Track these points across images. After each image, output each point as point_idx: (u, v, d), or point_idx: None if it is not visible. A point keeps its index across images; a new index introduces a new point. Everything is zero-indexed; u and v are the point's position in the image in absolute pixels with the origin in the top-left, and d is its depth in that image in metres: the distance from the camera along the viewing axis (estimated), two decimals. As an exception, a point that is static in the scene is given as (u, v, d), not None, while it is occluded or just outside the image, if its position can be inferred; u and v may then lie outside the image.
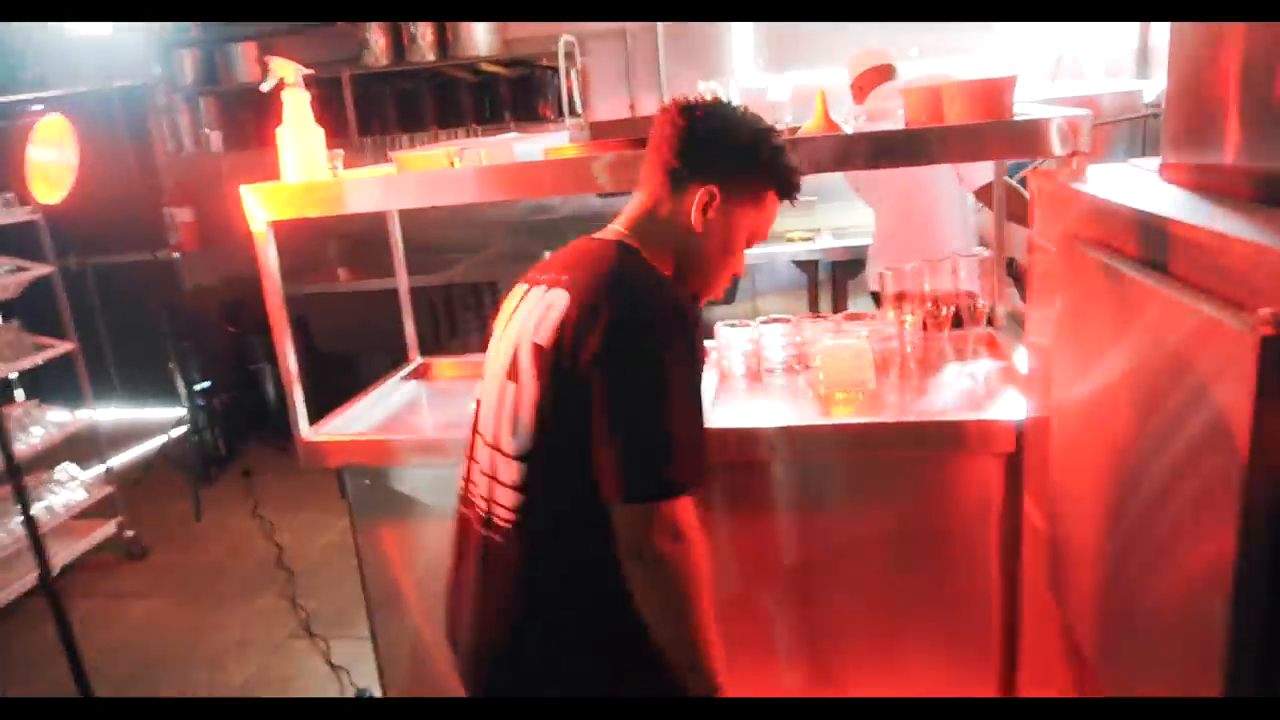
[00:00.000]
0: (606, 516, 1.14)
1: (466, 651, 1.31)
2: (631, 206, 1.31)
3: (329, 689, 2.66)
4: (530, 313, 1.24)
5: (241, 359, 4.82)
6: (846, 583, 1.97)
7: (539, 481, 1.20)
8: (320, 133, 1.96)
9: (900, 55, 4.05)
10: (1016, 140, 1.60)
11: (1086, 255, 1.18)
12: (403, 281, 2.60)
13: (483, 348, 4.17)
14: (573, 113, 4.26)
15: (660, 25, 4.39)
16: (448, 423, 2.18)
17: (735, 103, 1.31)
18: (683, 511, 1.11)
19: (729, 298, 4.53)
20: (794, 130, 1.85)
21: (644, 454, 1.11)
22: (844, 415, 1.96)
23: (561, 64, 4.09)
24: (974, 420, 1.80)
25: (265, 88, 1.91)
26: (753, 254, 4.99)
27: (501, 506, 1.23)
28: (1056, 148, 1.57)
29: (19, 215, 3.38)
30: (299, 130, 1.92)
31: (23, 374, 3.35)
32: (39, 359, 3.40)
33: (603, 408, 1.12)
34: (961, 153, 1.79)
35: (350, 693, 2.58)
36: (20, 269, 3.41)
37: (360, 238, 4.87)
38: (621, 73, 4.52)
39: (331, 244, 5.05)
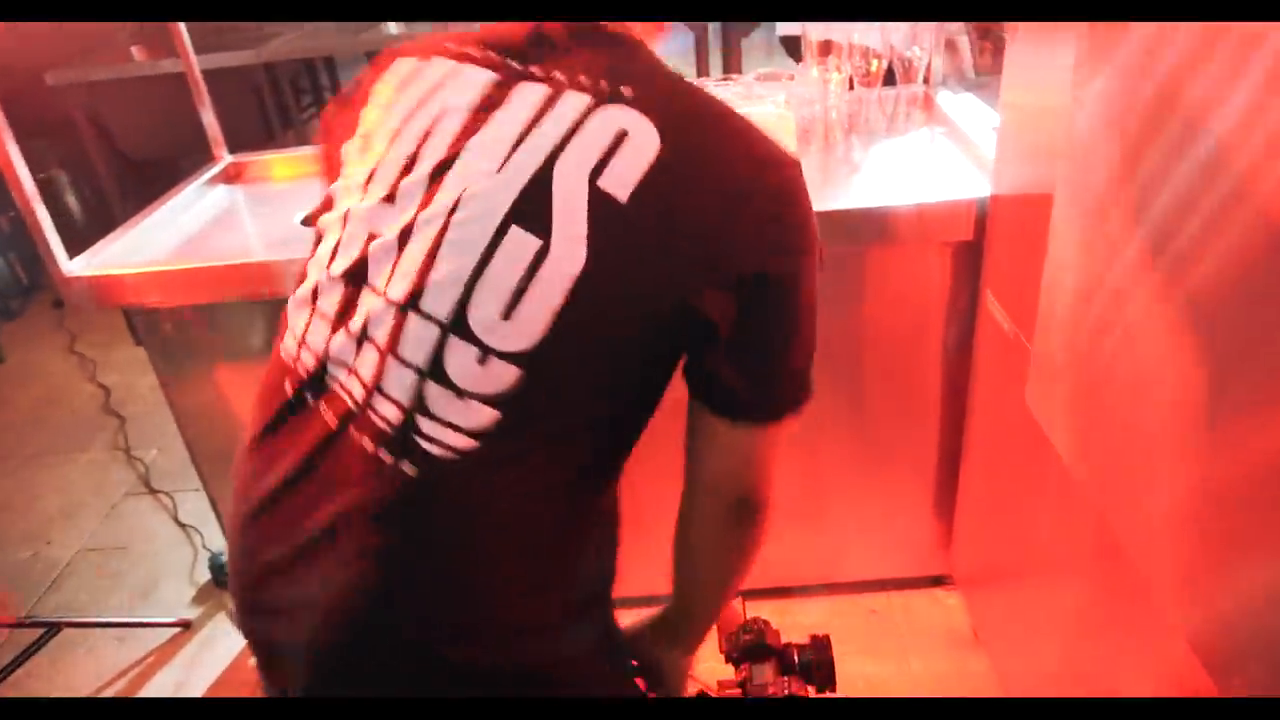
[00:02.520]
0: (612, 447, 0.81)
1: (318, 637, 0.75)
2: None
3: (181, 551, 2.32)
4: (566, 133, 0.72)
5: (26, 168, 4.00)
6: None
7: (541, 392, 0.72)
8: None
9: None
10: None
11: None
12: (189, 57, 2.00)
13: (312, 139, 3.40)
14: None
15: None
16: (260, 243, 1.72)
17: None
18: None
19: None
20: None
21: (801, 367, 0.81)
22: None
23: None
24: (923, 204, 1.47)
25: None
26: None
27: (442, 424, 0.72)
28: None
29: None
30: None
31: None
32: None
33: (771, 312, 0.76)
34: None
35: (204, 556, 2.25)
36: None
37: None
38: None
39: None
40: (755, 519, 0.84)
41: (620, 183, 0.69)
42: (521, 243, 0.70)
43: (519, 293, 0.70)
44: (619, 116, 0.71)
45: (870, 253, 1.54)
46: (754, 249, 0.72)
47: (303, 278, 0.81)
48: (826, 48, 1.80)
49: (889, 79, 1.82)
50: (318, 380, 0.76)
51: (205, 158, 2.10)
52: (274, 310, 1.45)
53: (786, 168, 0.74)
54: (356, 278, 0.75)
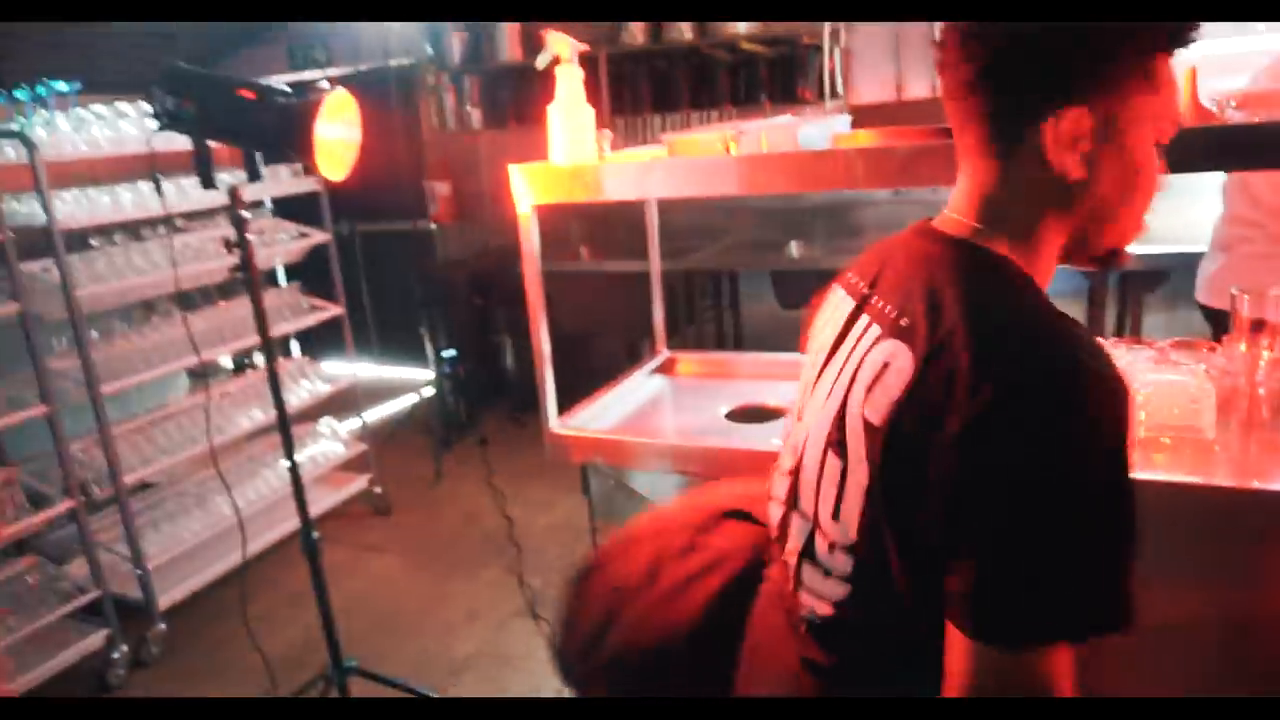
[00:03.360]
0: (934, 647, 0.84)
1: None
2: (961, 193, 0.93)
3: (548, 674, 2.64)
4: (858, 366, 0.91)
5: (485, 330, 5.00)
6: (1143, 670, 1.63)
7: (867, 578, 0.91)
8: (590, 112, 1.86)
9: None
10: None
11: None
12: (655, 268, 2.50)
13: (719, 341, 3.96)
14: (834, 94, 3.99)
15: None
16: (692, 428, 2.05)
17: None
18: (1055, 670, 0.76)
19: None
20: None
21: (1013, 578, 0.76)
22: (1168, 467, 1.60)
23: (826, 42, 3.83)
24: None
25: (540, 64, 1.84)
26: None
27: (813, 594, 0.96)
28: None
29: (304, 185, 3.64)
30: (570, 109, 1.83)
31: (295, 331, 3.62)
32: (313, 319, 3.65)
33: (964, 505, 0.78)
34: None
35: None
36: (303, 235, 3.67)
37: (600, 217, 4.89)
38: (888, 52, 4.17)
39: (574, 222, 5.10)
40: None
41: (876, 410, 0.85)
42: (835, 465, 0.92)
43: (838, 501, 0.91)
44: (889, 349, 0.87)
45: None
46: (971, 463, 0.76)
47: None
48: (1260, 324, 1.79)
49: (1330, 363, 1.76)
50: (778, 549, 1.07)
51: (618, 337, 2.55)
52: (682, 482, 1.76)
53: (1044, 384, 0.74)
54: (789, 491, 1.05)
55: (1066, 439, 0.75)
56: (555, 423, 1.97)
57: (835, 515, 0.91)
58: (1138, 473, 1.56)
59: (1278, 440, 1.70)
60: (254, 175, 1.90)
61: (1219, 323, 2.30)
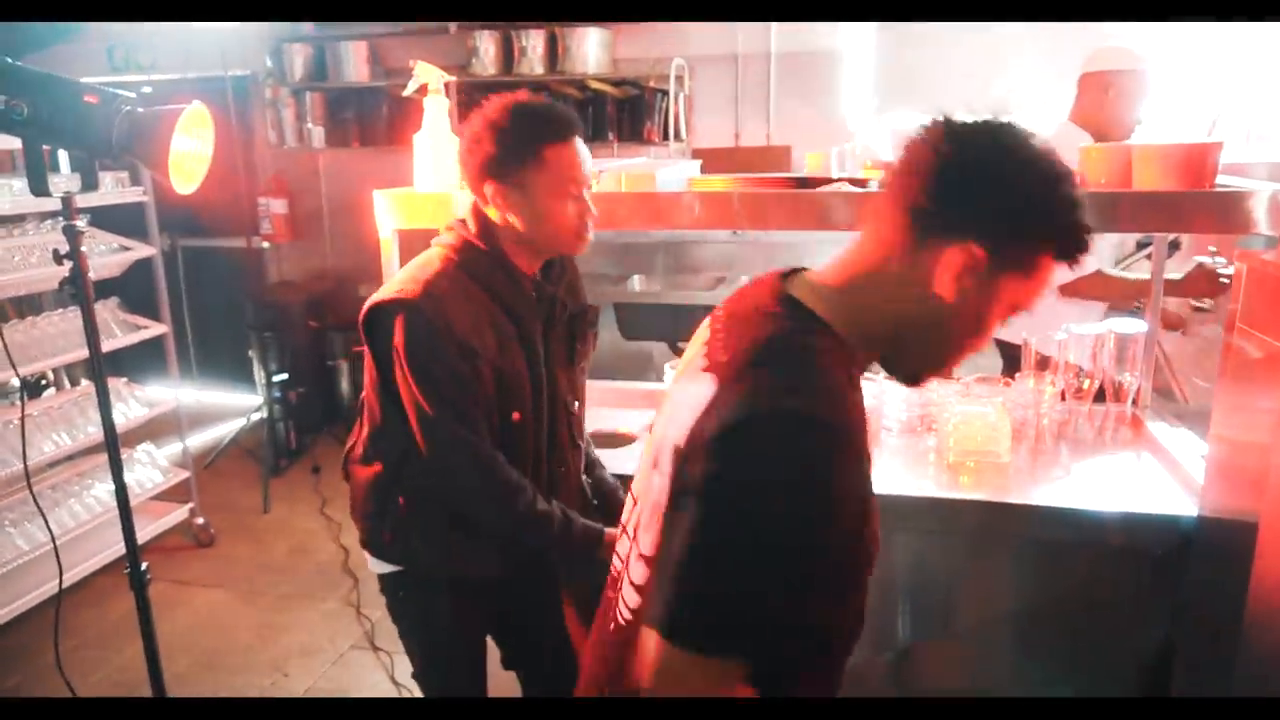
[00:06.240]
0: None
1: None
2: (849, 258, 0.98)
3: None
4: (684, 395, 0.96)
5: (320, 354, 4.83)
6: (959, 668, 1.83)
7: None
8: (455, 141, 1.89)
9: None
10: (1220, 214, 1.47)
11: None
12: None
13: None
14: (677, 137, 4.19)
15: (773, 52, 4.30)
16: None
17: (1018, 129, 0.91)
18: (725, 675, 0.86)
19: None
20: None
21: (697, 589, 0.86)
22: (972, 487, 1.82)
23: (672, 87, 4.02)
24: (1129, 512, 1.65)
25: (408, 91, 1.86)
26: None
27: (625, 603, 1.01)
28: (1264, 225, 1.43)
29: (129, 196, 3.42)
30: (436, 138, 1.87)
31: (110, 351, 3.36)
32: (134, 339, 3.41)
33: (673, 513, 0.91)
34: (1151, 222, 1.65)
35: (414, 716, 2.49)
36: (124, 249, 3.44)
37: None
38: (728, 99, 4.43)
39: (419, 249, 5.02)
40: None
41: (681, 432, 0.90)
42: (652, 485, 0.95)
43: (648, 516, 0.95)
44: (705, 380, 0.91)
45: (1072, 551, 1.71)
46: (685, 474, 0.88)
47: None
48: (1044, 362, 2.07)
49: (1099, 397, 2.05)
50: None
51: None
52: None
53: (756, 422, 0.83)
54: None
55: (743, 473, 0.84)
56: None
57: (648, 527, 0.95)
58: (954, 491, 1.78)
59: (1060, 463, 1.96)
60: (90, 184, 1.80)
61: (1003, 351, 2.60)
